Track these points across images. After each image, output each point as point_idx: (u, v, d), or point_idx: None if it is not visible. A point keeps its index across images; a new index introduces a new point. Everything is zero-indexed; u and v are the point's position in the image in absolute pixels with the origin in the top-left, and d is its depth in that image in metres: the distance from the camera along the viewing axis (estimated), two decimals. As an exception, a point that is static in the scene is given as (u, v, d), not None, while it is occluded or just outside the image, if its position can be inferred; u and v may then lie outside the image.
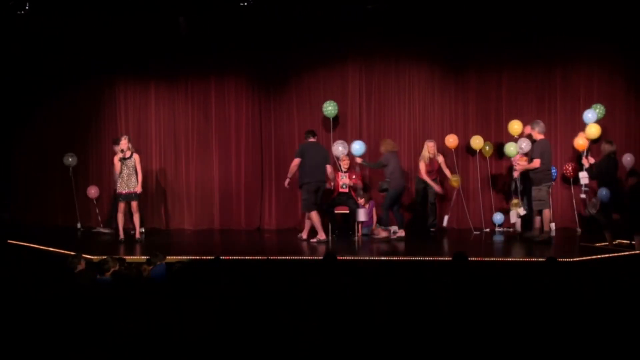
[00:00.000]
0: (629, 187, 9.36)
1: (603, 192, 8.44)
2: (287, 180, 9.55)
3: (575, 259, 7.61)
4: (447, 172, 10.03)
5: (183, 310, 4.16)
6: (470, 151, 10.30)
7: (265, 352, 3.68)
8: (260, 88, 11.09)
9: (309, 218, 9.41)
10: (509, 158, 9.63)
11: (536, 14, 9.89)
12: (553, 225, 9.88)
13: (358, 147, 9.76)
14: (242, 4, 9.85)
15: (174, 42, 10.67)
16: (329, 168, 9.51)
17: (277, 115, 11.06)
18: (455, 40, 10.38)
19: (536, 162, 8.75)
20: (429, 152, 9.88)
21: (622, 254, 7.99)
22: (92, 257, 7.71)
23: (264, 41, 10.74)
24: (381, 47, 10.71)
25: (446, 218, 10.14)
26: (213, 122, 11.18)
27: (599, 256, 7.88)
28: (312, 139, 9.57)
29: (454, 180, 10.00)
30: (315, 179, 9.27)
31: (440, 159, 10.07)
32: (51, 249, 8.84)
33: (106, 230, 10.65)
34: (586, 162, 9.32)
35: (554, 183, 9.20)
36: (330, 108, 10.38)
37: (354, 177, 10.01)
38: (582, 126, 10.03)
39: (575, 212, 9.97)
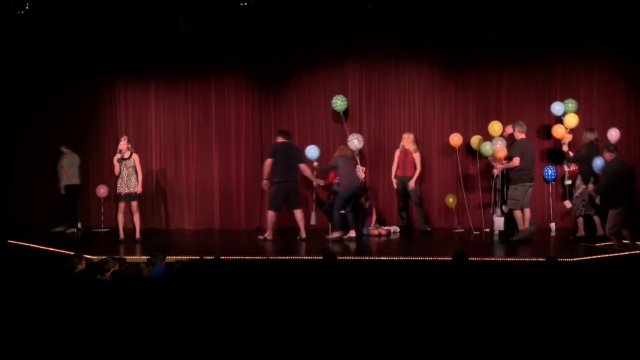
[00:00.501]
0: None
1: (597, 162, 8.50)
2: (264, 182, 9.62)
3: (575, 259, 7.60)
4: (417, 169, 9.97)
5: (183, 310, 4.16)
6: (471, 151, 10.29)
7: (265, 352, 3.68)
8: (260, 88, 11.09)
9: (295, 217, 9.57)
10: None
11: (536, 14, 9.88)
12: (553, 225, 9.90)
13: (313, 151, 10.01)
14: (242, 4, 9.84)
15: (174, 42, 10.66)
16: (303, 167, 9.52)
17: (277, 115, 11.05)
18: (455, 40, 10.38)
19: (515, 161, 8.88)
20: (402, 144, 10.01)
21: (622, 254, 7.98)
22: (92, 257, 7.71)
23: (264, 41, 10.73)
24: (381, 47, 10.71)
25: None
26: (213, 122, 11.18)
27: (599, 256, 7.88)
28: (282, 139, 9.57)
29: (450, 200, 10.03)
30: (284, 179, 9.31)
31: (417, 156, 10.02)
32: (51, 249, 8.84)
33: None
34: (566, 148, 9.51)
35: (533, 184, 9.15)
36: (339, 102, 10.36)
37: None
38: (581, 126, 10.06)
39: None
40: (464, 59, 10.53)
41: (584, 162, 8.94)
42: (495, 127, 9.65)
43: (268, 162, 9.41)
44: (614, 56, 10.16)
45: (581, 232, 9.16)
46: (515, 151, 8.95)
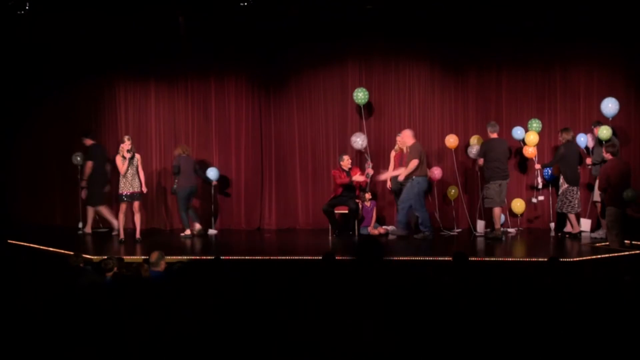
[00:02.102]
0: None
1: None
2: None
3: (575, 259, 7.61)
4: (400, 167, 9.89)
5: (183, 310, 4.16)
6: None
7: (265, 352, 3.68)
8: (260, 88, 11.09)
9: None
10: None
11: (536, 14, 9.88)
12: (553, 225, 9.90)
13: (212, 173, 10.53)
14: (242, 4, 9.85)
15: (174, 42, 10.66)
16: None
17: (277, 115, 11.06)
18: (455, 40, 10.38)
19: (480, 161, 9.42)
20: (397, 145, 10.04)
21: (622, 254, 7.99)
22: (92, 257, 7.72)
23: (264, 41, 10.73)
24: (381, 47, 10.71)
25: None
26: (213, 122, 11.18)
27: (599, 256, 7.88)
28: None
29: (452, 192, 10.06)
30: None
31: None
32: (51, 249, 8.85)
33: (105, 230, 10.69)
34: (539, 166, 9.73)
35: (507, 181, 9.38)
36: (360, 95, 10.26)
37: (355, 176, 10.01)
38: (582, 125, 10.08)
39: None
40: (464, 59, 10.53)
41: (564, 161, 9.25)
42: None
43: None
44: (614, 56, 10.16)
45: (574, 228, 9.33)
46: (480, 152, 9.46)
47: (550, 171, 9.92)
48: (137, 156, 9.66)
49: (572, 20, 9.91)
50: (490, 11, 9.91)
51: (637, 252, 7.98)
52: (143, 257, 7.42)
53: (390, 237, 9.95)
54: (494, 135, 9.43)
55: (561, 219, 9.74)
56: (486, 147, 9.39)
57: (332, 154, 10.80)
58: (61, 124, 11.39)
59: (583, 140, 9.57)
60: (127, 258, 7.20)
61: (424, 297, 4.54)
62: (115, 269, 5.91)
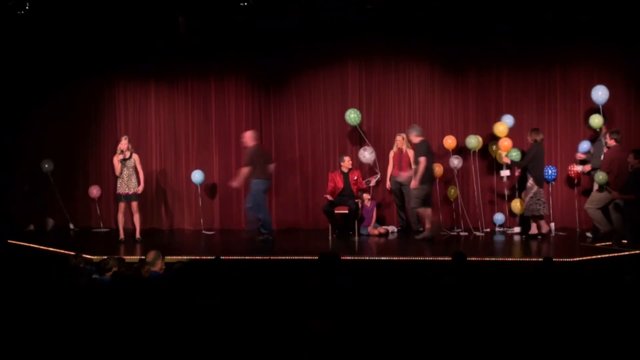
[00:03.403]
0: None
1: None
2: None
3: (575, 259, 7.61)
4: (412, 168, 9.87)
5: (183, 310, 4.16)
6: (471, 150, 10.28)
7: (265, 352, 3.68)
8: (260, 88, 11.09)
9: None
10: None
11: (536, 13, 9.88)
12: (553, 225, 9.90)
13: (197, 175, 10.57)
14: (242, 4, 9.84)
15: (174, 42, 10.65)
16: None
17: (277, 115, 11.06)
18: (455, 40, 10.37)
19: (422, 161, 9.07)
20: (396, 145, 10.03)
21: (622, 253, 7.99)
22: (92, 257, 7.72)
23: (264, 41, 10.73)
24: (381, 47, 10.71)
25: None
26: (213, 122, 11.18)
27: (599, 256, 7.88)
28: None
29: (452, 192, 10.08)
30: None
31: (412, 154, 9.91)
32: (51, 249, 8.85)
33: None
34: (507, 160, 9.60)
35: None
36: (352, 116, 10.26)
37: (355, 178, 10.01)
38: (582, 125, 10.09)
39: (577, 213, 9.97)
40: (464, 59, 10.53)
41: (535, 162, 9.15)
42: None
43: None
44: (614, 56, 10.16)
45: (543, 228, 9.25)
46: (420, 153, 9.17)
47: (551, 171, 9.89)
48: (135, 156, 9.65)
49: (572, 20, 9.91)
50: (490, 11, 9.91)
51: (637, 252, 7.98)
52: (143, 257, 7.42)
53: (391, 237, 9.97)
54: (421, 138, 9.33)
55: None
56: (425, 149, 9.25)
57: (332, 154, 10.81)
58: (61, 124, 11.38)
59: (586, 146, 9.61)
60: (127, 258, 7.18)
61: (423, 298, 4.55)
62: (114, 269, 5.90)
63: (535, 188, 9.12)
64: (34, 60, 11.03)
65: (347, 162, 9.90)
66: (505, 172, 9.85)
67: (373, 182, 10.16)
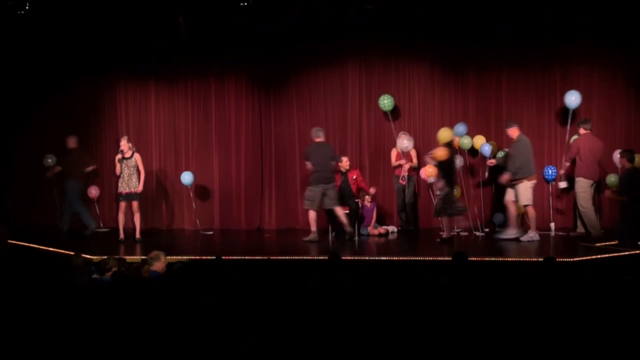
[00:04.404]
0: None
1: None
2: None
3: (575, 259, 7.61)
4: (413, 162, 10.04)
5: (183, 310, 4.16)
6: (472, 151, 10.28)
7: (265, 352, 3.68)
8: (260, 88, 11.09)
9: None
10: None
11: (536, 13, 9.88)
12: (552, 225, 9.90)
13: (187, 177, 10.49)
14: (242, 4, 9.84)
15: (174, 42, 10.65)
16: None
17: (277, 115, 11.06)
18: (455, 40, 10.37)
19: (307, 165, 9.40)
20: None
21: (622, 253, 7.99)
22: (92, 257, 7.72)
23: (264, 41, 10.73)
24: (381, 47, 10.71)
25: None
26: (213, 122, 11.18)
27: (599, 256, 7.88)
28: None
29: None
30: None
31: (414, 152, 10.04)
32: (51, 249, 8.84)
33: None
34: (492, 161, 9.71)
35: (329, 185, 9.35)
36: (386, 102, 10.25)
37: (354, 177, 10.01)
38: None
39: (576, 213, 9.96)
40: (464, 59, 10.53)
41: (443, 167, 9.12)
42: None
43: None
44: (614, 56, 10.16)
45: (446, 232, 9.25)
46: (307, 155, 9.42)
47: (551, 171, 9.89)
48: (137, 156, 9.64)
49: (572, 20, 9.91)
50: (490, 11, 9.91)
51: (637, 252, 7.98)
52: (143, 257, 7.42)
53: (391, 237, 9.97)
54: (318, 140, 9.46)
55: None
56: (310, 150, 9.40)
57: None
58: (61, 124, 11.38)
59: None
60: (127, 258, 7.18)
61: (423, 298, 4.54)
62: (114, 269, 5.90)
63: (447, 190, 9.12)
64: (34, 60, 11.03)
65: (344, 163, 9.90)
66: (562, 184, 9.82)
67: (373, 192, 10.08)
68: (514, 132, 9.22)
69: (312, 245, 9.18)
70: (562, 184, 9.90)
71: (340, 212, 9.42)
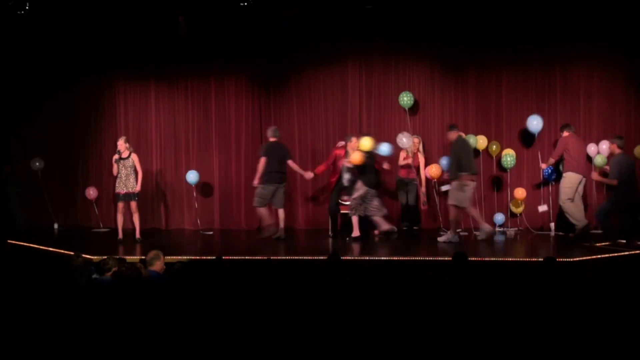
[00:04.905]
0: None
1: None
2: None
3: (575, 259, 7.61)
4: (422, 175, 10.05)
5: (183, 310, 4.16)
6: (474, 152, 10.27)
7: (265, 352, 3.68)
8: (260, 88, 11.09)
9: None
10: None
11: (536, 13, 9.88)
12: (552, 225, 9.90)
13: (192, 176, 10.53)
14: (242, 4, 9.84)
15: (174, 42, 10.65)
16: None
17: (277, 115, 11.05)
18: (455, 40, 10.37)
19: (262, 161, 9.47)
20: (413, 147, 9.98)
21: (622, 253, 7.99)
22: (92, 257, 7.71)
23: (264, 41, 10.73)
24: (381, 47, 10.71)
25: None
26: (213, 122, 11.18)
27: (599, 256, 7.88)
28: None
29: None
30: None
31: (422, 160, 10.05)
32: (51, 249, 8.84)
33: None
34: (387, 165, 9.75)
35: (281, 185, 9.60)
36: (406, 99, 10.25)
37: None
38: (582, 125, 10.08)
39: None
40: (464, 59, 10.53)
41: (359, 169, 9.30)
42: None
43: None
44: (614, 56, 10.16)
45: (355, 231, 9.41)
46: (262, 153, 9.55)
47: (550, 171, 9.89)
48: (134, 156, 9.64)
49: (572, 20, 9.91)
50: (490, 11, 9.91)
51: (637, 252, 7.98)
52: (142, 257, 7.42)
53: (391, 236, 9.96)
54: (273, 140, 9.60)
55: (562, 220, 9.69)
56: (265, 149, 9.55)
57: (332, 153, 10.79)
58: (61, 124, 11.39)
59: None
60: (127, 258, 7.18)
61: (424, 298, 4.54)
62: (114, 269, 5.90)
63: (364, 189, 9.32)
64: (34, 60, 11.03)
65: (354, 143, 9.66)
66: (446, 187, 9.74)
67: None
68: (452, 135, 9.27)
69: (312, 245, 9.17)
70: (542, 208, 9.97)
71: (283, 214, 9.68)
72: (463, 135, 9.53)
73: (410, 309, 4.29)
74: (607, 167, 9.20)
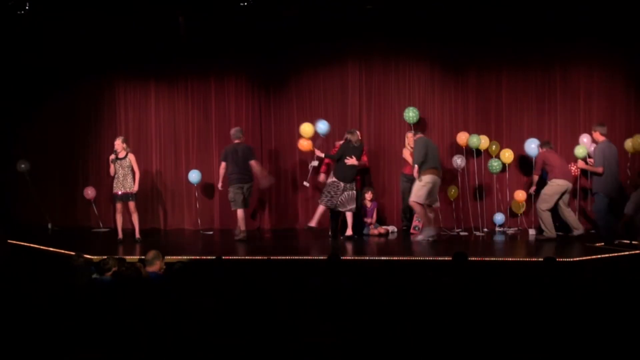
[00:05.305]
0: None
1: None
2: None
3: (575, 259, 7.61)
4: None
5: (183, 310, 4.16)
6: (476, 151, 10.27)
7: (265, 352, 3.68)
8: (260, 88, 11.09)
9: None
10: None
11: (536, 13, 9.88)
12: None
13: (195, 175, 10.62)
14: (242, 4, 9.84)
15: (174, 42, 10.65)
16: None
17: (277, 115, 11.06)
18: (455, 40, 10.38)
19: (222, 165, 9.69)
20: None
21: (622, 253, 7.99)
22: (92, 257, 7.71)
23: (264, 41, 10.73)
24: (381, 47, 10.71)
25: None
26: (213, 122, 11.18)
27: (599, 256, 7.88)
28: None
29: (452, 192, 10.08)
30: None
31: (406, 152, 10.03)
32: (51, 249, 8.84)
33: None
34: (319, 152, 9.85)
35: (243, 185, 9.64)
36: (411, 114, 10.19)
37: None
38: (582, 126, 10.08)
39: (576, 213, 9.96)
40: (464, 59, 10.53)
41: (338, 160, 9.47)
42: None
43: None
44: (614, 56, 10.16)
45: (313, 222, 9.57)
46: (223, 156, 9.74)
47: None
48: (131, 156, 9.63)
49: (572, 20, 9.91)
50: (490, 11, 9.91)
51: (637, 252, 7.98)
52: (142, 257, 7.43)
53: (391, 237, 9.97)
54: (237, 141, 9.73)
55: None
56: (225, 152, 9.70)
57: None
58: (61, 124, 11.39)
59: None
60: (127, 258, 7.18)
61: (424, 298, 4.54)
62: (114, 268, 5.90)
63: (332, 179, 9.48)
64: (34, 60, 11.03)
65: (357, 136, 9.75)
66: (314, 163, 9.93)
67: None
68: (415, 136, 9.42)
69: (312, 245, 9.17)
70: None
71: (242, 214, 9.70)
72: (421, 135, 9.50)
73: (410, 309, 4.29)
74: (592, 161, 9.22)
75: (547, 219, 9.11)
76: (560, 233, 9.69)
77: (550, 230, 9.10)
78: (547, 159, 9.22)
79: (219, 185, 9.92)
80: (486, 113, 10.48)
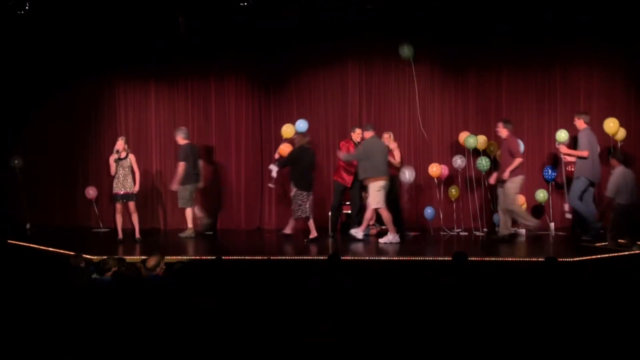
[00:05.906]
0: None
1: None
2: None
3: (575, 259, 7.61)
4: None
5: (183, 311, 4.16)
6: (475, 151, 10.27)
7: (265, 352, 3.68)
8: (260, 88, 11.09)
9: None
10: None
11: (536, 13, 9.88)
12: (552, 225, 9.90)
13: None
14: (242, 4, 9.84)
15: (174, 42, 10.65)
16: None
17: (277, 115, 11.06)
18: (455, 40, 10.38)
19: (180, 165, 9.86)
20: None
21: (622, 253, 7.99)
22: (92, 257, 7.72)
23: (264, 41, 10.74)
24: (381, 47, 10.71)
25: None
26: (213, 122, 11.18)
27: (599, 256, 7.88)
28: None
29: (452, 192, 10.06)
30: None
31: (397, 153, 9.94)
32: (51, 249, 8.84)
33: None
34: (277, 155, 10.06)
35: (197, 184, 10.07)
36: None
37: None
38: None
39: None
40: (464, 59, 10.54)
41: (295, 165, 9.42)
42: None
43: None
44: (614, 56, 10.16)
45: (312, 233, 9.50)
46: (181, 156, 9.91)
47: (550, 171, 9.89)
48: (132, 156, 9.64)
49: (572, 20, 9.91)
50: (490, 11, 9.91)
51: (637, 252, 7.98)
52: (143, 257, 7.43)
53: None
54: (186, 142, 9.95)
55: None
56: (183, 151, 9.90)
57: (332, 154, 10.79)
58: (61, 124, 11.39)
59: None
60: (127, 258, 7.18)
61: (424, 298, 4.54)
62: (114, 268, 5.90)
63: (294, 190, 9.44)
64: (34, 60, 11.03)
65: (357, 133, 9.74)
66: (273, 167, 9.84)
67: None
68: (366, 134, 9.35)
69: (312, 245, 9.17)
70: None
71: (190, 213, 9.94)
72: (372, 134, 9.38)
73: (410, 309, 4.29)
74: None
75: (520, 211, 9.02)
76: (561, 233, 9.71)
77: (530, 220, 9.04)
78: (512, 147, 8.89)
79: (174, 186, 9.94)
80: (486, 113, 10.48)
